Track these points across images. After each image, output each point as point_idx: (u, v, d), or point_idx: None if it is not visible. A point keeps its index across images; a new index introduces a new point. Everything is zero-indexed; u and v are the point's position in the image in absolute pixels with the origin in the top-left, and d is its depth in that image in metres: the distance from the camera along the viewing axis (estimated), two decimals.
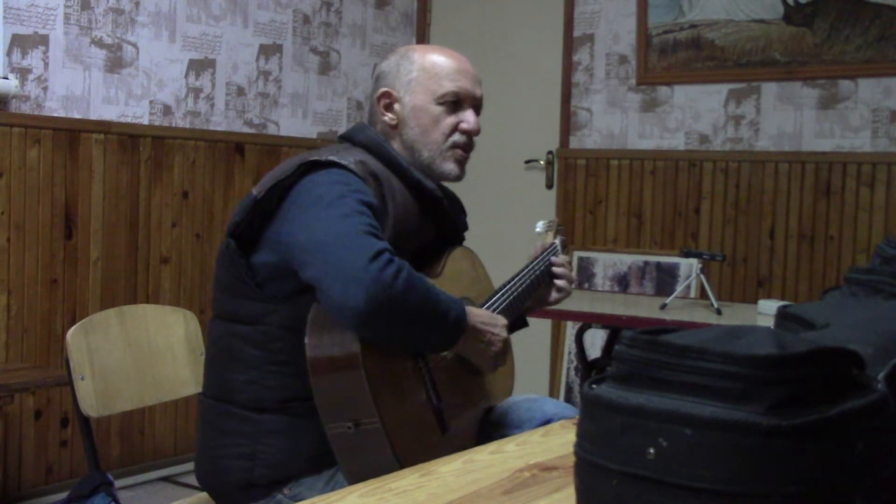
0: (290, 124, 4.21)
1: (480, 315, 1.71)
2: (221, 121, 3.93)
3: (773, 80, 4.02)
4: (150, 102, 3.67)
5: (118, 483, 3.20)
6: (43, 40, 3.32)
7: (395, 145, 1.84)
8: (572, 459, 0.75)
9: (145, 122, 3.65)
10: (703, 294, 3.42)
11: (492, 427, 1.87)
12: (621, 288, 4.22)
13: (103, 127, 3.49)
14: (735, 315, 3.05)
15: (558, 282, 2.03)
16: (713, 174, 4.14)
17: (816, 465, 0.65)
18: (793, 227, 3.97)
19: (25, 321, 3.29)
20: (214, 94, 3.89)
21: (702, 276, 3.10)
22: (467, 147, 1.86)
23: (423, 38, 4.85)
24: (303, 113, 4.27)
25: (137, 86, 3.63)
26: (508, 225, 4.54)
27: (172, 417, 3.75)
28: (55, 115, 3.36)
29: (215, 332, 1.78)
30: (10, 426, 3.25)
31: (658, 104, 4.29)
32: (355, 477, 1.56)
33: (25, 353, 3.29)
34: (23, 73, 3.27)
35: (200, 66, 3.84)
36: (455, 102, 1.83)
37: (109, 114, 3.54)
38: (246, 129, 4.02)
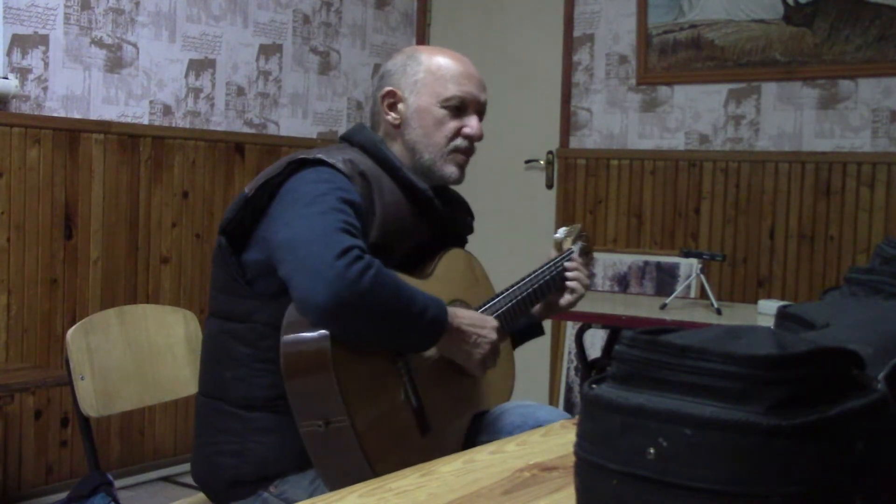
0: (290, 124, 4.21)
1: (466, 316, 1.70)
2: (221, 121, 3.93)
3: (773, 80, 4.02)
4: (150, 102, 3.68)
5: (118, 483, 3.20)
6: (43, 40, 3.32)
7: (396, 145, 1.84)
8: (572, 459, 0.75)
9: (145, 122, 3.65)
10: (703, 294, 3.42)
11: (483, 431, 1.84)
12: (621, 288, 4.22)
13: (103, 127, 3.49)
14: (735, 315, 3.05)
15: (569, 283, 1.99)
16: (713, 174, 4.14)
17: (816, 465, 0.65)
18: (793, 227, 3.97)
19: (25, 321, 3.29)
20: (214, 94, 3.89)
21: (702, 276, 3.10)
22: (468, 151, 1.86)
23: (423, 38, 4.85)
24: (303, 113, 4.27)
25: (137, 86, 3.63)
26: (508, 225, 4.54)
27: (172, 417, 3.75)
28: (55, 115, 3.36)
29: (210, 329, 1.79)
30: (10, 426, 3.25)
31: (658, 104, 4.29)
32: (329, 476, 1.56)
33: (25, 353, 3.29)
34: (23, 73, 3.27)
35: (200, 66, 3.84)
36: (459, 107, 1.83)
37: (109, 114, 3.54)
38: (246, 129, 4.02)
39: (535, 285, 1.93)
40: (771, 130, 4.04)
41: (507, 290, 1.90)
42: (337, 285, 1.48)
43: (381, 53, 4.67)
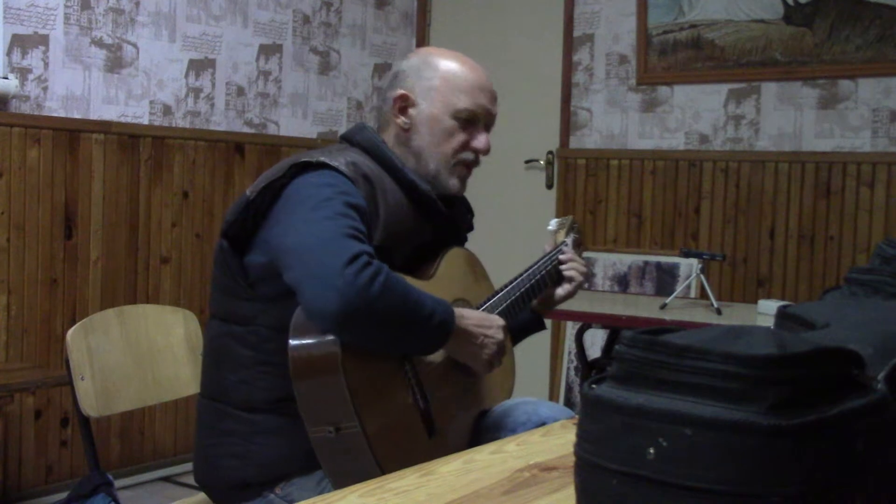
0: (290, 124, 4.21)
1: (473, 317, 1.70)
2: (221, 121, 3.93)
3: (773, 80, 4.02)
4: (150, 102, 3.68)
5: (118, 483, 3.20)
6: (43, 40, 3.32)
7: (399, 147, 1.83)
8: (572, 459, 0.75)
9: (145, 122, 3.65)
10: (703, 294, 3.42)
11: (486, 430, 1.85)
12: (621, 288, 4.22)
13: (103, 127, 3.49)
14: (735, 315, 3.05)
15: (567, 273, 1.99)
16: (713, 174, 4.14)
17: (816, 465, 0.65)
18: (793, 227, 3.97)
19: (25, 321, 3.29)
20: (214, 94, 3.89)
21: (702, 276, 3.10)
22: (473, 164, 1.86)
23: (423, 38, 4.85)
24: (303, 113, 4.27)
25: (137, 86, 3.63)
26: (509, 225, 4.54)
27: (172, 417, 3.75)
28: (55, 115, 3.36)
29: (211, 331, 1.78)
30: (10, 426, 3.25)
31: (658, 104, 4.29)
32: (339, 480, 1.56)
33: (25, 353, 3.29)
34: (23, 73, 3.27)
35: (200, 66, 3.84)
36: (470, 119, 1.83)
37: (109, 114, 3.54)
38: (246, 129, 4.02)
39: (534, 280, 1.93)
40: (771, 130, 4.04)
41: (505, 286, 1.91)
42: (347, 293, 1.47)
43: (381, 53, 4.67)
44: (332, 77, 4.41)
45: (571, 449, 0.75)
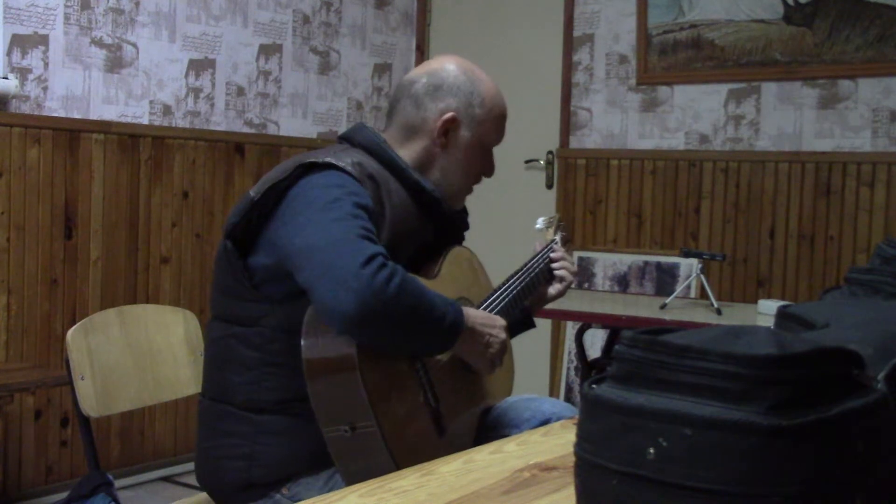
0: (290, 124, 4.21)
1: (478, 317, 1.71)
2: (221, 121, 3.93)
3: (773, 80, 4.02)
4: (150, 102, 3.68)
5: (118, 483, 3.20)
6: (43, 40, 3.32)
7: (419, 159, 1.82)
8: (572, 459, 0.75)
9: (145, 122, 3.65)
10: (703, 294, 3.42)
11: (490, 427, 1.86)
12: (621, 288, 4.22)
13: (103, 127, 3.49)
14: (735, 315, 3.05)
15: (557, 272, 2.01)
16: (713, 174, 4.14)
17: (816, 465, 0.65)
18: (793, 227, 3.97)
19: (25, 321, 3.29)
20: (214, 94, 3.89)
21: (702, 276, 3.10)
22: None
23: (422, 38, 4.85)
24: (303, 113, 4.27)
25: (137, 86, 3.63)
26: (508, 225, 4.54)
27: (172, 417, 3.75)
28: (55, 115, 3.36)
29: (214, 332, 1.78)
30: (10, 426, 3.25)
31: (658, 104, 4.29)
32: (353, 479, 1.55)
33: (25, 353, 3.29)
34: (23, 73, 3.27)
35: (200, 66, 3.84)
36: (490, 150, 1.89)
37: (109, 114, 3.54)
38: (246, 129, 4.02)
39: (527, 279, 1.95)
40: (771, 130, 4.04)
41: (502, 285, 1.92)
42: (364, 294, 1.47)
43: (381, 53, 4.67)
44: (332, 77, 4.41)
45: (571, 449, 0.75)
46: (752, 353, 0.66)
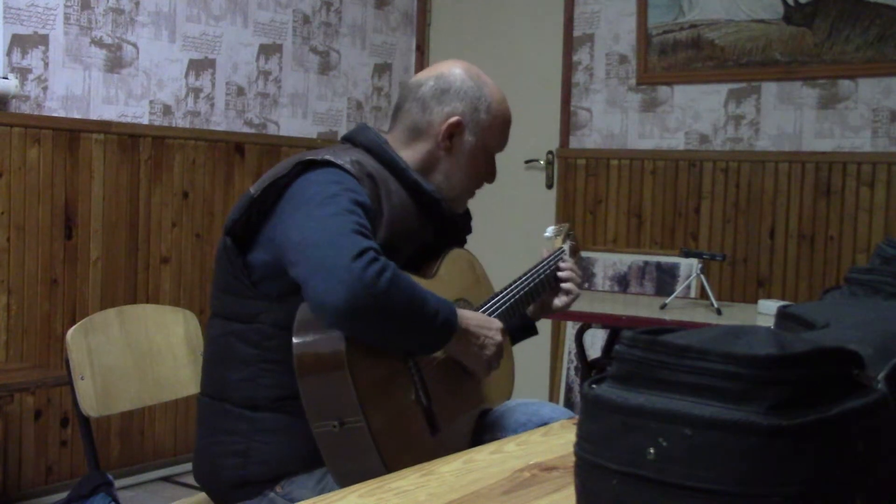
0: (290, 124, 4.21)
1: (474, 318, 1.71)
2: (221, 121, 3.93)
3: (773, 80, 4.02)
4: (150, 102, 3.68)
5: (118, 483, 3.20)
6: (43, 40, 3.32)
7: (423, 162, 1.83)
8: (572, 459, 0.75)
9: (145, 122, 3.65)
10: (703, 294, 3.42)
11: (487, 430, 1.86)
12: (621, 288, 4.22)
13: (103, 127, 3.49)
14: (735, 315, 3.05)
15: (564, 284, 2.01)
16: (713, 174, 4.14)
17: (816, 465, 0.65)
18: (793, 227, 3.97)
19: (25, 321, 3.29)
20: (214, 93, 3.89)
21: (702, 276, 3.10)
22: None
23: (423, 38, 4.85)
24: (303, 113, 4.27)
25: (137, 86, 3.63)
26: (508, 225, 4.54)
27: (172, 417, 3.75)
28: (55, 115, 3.36)
29: (213, 330, 1.78)
30: (10, 426, 3.25)
31: (658, 104, 4.29)
32: (342, 476, 1.56)
33: (25, 353, 3.29)
34: (23, 73, 3.27)
35: (200, 66, 3.84)
36: (493, 155, 1.91)
37: (109, 114, 3.54)
38: (246, 129, 4.02)
39: (531, 285, 1.95)
40: (771, 130, 4.04)
41: (504, 289, 1.91)
42: (354, 287, 1.47)
43: (381, 53, 4.67)
44: (332, 77, 4.41)
45: (571, 449, 0.75)
46: (752, 353, 0.66)
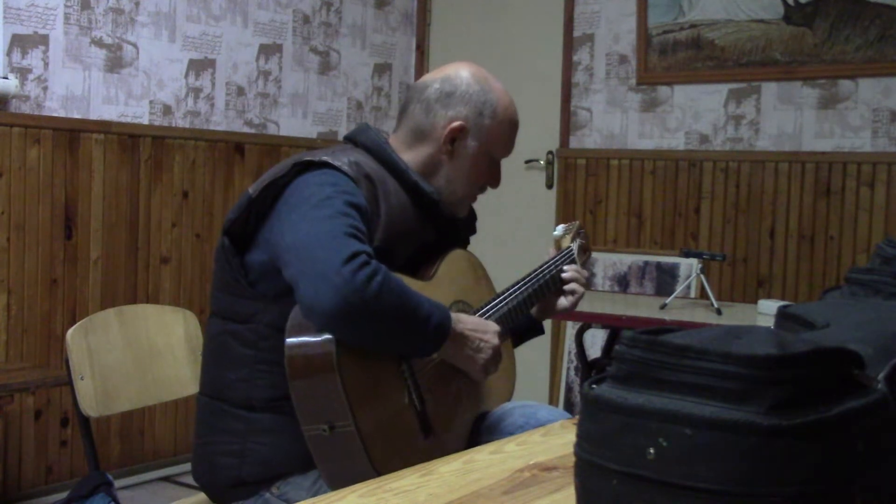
0: (290, 124, 4.21)
1: (469, 322, 1.70)
2: (221, 121, 3.93)
3: (773, 80, 4.02)
4: (150, 102, 3.68)
5: (118, 483, 3.20)
6: (43, 40, 3.32)
7: (425, 165, 1.82)
8: (572, 459, 0.75)
9: (145, 122, 3.65)
10: (703, 294, 3.42)
11: (485, 432, 1.85)
12: (621, 288, 4.22)
13: (103, 127, 3.49)
14: (735, 315, 3.05)
15: (567, 286, 1.98)
16: (713, 174, 4.14)
17: (816, 465, 0.65)
18: (793, 227, 3.97)
19: (25, 321, 3.29)
20: (214, 94, 3.89)
21: (702, 276, 3.10)
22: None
23: (423, 38, 4.85)
24: (303, 113, 4.27)
25: (137, 86, 3.63)
26: (508, 225, 4.54)
27: (172, 417, 3.75)
28: (55, 115, 3.36)
29: (211, 328, 1.79)
30: (10, 426, 3.25)
31: (658, 104, 4.29)
32: (333, 479, 1.56)
33: (25, 353, 3.29)
34: (23, 73, 3.27)
35: (200, 66, 3.84)
36: (497, 160, 1.89)
37: (109, 114, 3.54)
38: (246, 129, 4.02)
39: (534, 286, 1.93)
40: (771, 130, 4.04)
41: (506, 291, 1.90)
42: (344, 291, 1.47)
43: (381, 53, 4.67)
44: (332, 77, 4.41)
45: (571, 449, 0.75)
46: (752, 353, 0.66)
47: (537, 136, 4.55)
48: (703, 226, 4.15)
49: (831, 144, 3.91)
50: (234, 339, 1.71)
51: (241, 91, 4.00)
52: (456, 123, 1.80)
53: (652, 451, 0.67)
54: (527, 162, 4.61)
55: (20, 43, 3.26)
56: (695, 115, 4.20)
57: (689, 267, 4.03)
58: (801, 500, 0.64)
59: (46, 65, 3.34)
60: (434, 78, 1.85)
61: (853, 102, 3.87)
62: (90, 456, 1.94)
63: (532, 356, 4.24)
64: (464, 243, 1.98)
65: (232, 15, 3.95)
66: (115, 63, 3.55)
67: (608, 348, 3.56)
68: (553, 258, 2.01)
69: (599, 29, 4.41)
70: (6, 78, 3.19)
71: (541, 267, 1.97)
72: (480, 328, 1.71)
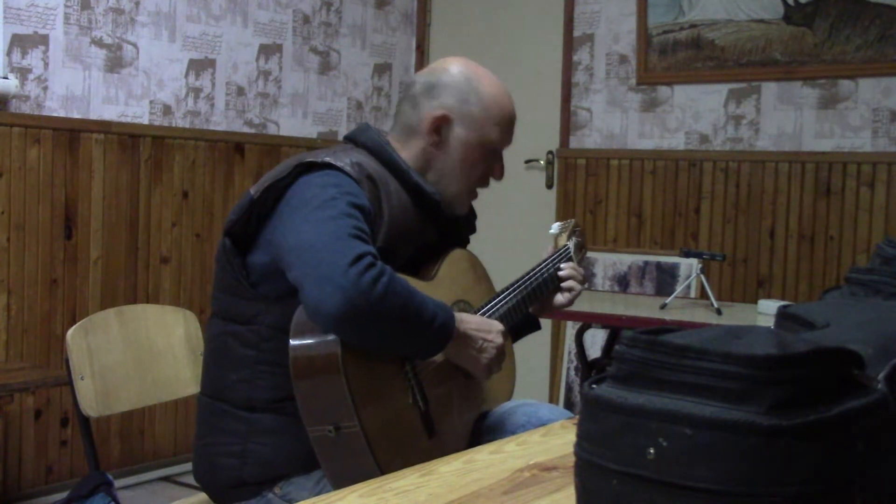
0: (290, 124, 4.21)
1: (473, 321, 1.70)
2: (221, 121, 3.93)
3: (773, 80, 4.02)
4: (150, 102, 3.68)
5: (118, 483, 3.20)
6: (43, 40, 3.32)
7: (419, 161, 1.81)
8: (572, 459, 0.75)
9: (145, 121, 3.65)
10: (703, 294, 3.42)
11: (486, 432, 1.85)
12: (621, 288, 4.22)
13: (103, 127, 3.49)
14: (735, 315, 3.05)
15: (564, 283, 1.99)
16: (713, 174, 4.14)
17: (816, 465, 0.65)
18: (793, 227, 3.97)
19: (25, 321, 3.29)
20: (214, 93, 3.89)
21: (702, 276, 3.10)
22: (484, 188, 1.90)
23: (423, 38, 4.85)
24: (303, 113, 4.27)
25: (137, 86, 3.63)
26: (508, 225, 4.54)
27: (172, 417, 3.75)
28: (55, 115, 3.36)
29: (212, 330, 1.78)
30: (10, 426, 3.25)
31: (658, 104, 4.29)
32: (338, 480, 1.56)
33: (25, 353, 3.29)
34: (23, 72, 3.27)
35: (200, 66, 3.84)
36: (495, 150, 1.85)
37: (109, 114, 3.54)
38: (246, 129, 4.02)
39: (533, 285, 1.93)
40: (771, 130, 4.04)
41: (505, 289, 1.90)
42: (350, 293, 1.47)
43: (381, 53, 4.67)
44: (332, 77, 4.41)
45: (571, 449, 0.75)
46: (752, 353, 0.66)
47: (537, 135, 4.55)
48: (703, 226, 4.15)
49: (831, 144, 3.91)
50: (236, 340, 1.71)
51: (241, 91, 4.00)
52: (438, 112, 1.79)
53: (652, 451, 0.67)
54: (527, 162, 4.60)
55: (20, 43, 3.26)
56: (695, 115, 4.20)
57: (689, 267, 4.03)
58: (801, 500, 0.64)
59: (46, 65, 3.34)
60: (421, 73, 1.87)
61: (853, 102, 3.87)
62: (90, 456, 1.94)
63: (532, 356, 4.24)
64: (464, 243, 1.98)
65: (232, 15, 3.95)
66: (115, 63, 3.55)
67: (608, 348, 3.56)
68: (550, 256, 2.01)
69: (599, 29, 4.41)
70: (6, 78, 3.19)
71: (538, 265, 1.98)
72: (484, 328, 1.71)
